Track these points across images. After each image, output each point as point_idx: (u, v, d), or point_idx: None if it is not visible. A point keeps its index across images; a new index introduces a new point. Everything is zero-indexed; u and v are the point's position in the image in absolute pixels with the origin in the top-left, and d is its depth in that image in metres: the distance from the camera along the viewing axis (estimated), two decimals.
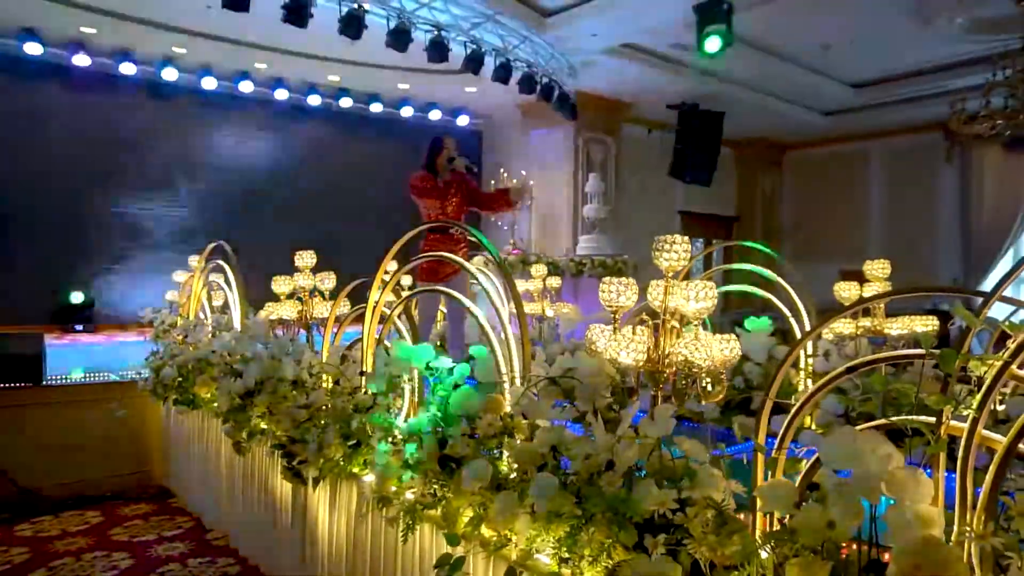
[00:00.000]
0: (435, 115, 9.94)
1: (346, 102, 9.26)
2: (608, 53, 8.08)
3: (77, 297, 7.68)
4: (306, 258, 3.85)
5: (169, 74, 7.83)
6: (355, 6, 6.00)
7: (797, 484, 1.58)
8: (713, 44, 6.49)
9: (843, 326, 3.10)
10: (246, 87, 8.48)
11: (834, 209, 11.55)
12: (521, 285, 5.03)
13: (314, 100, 9.12)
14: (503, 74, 7.17)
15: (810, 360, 3.13)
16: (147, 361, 4.73)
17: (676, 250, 1.99)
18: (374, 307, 2.86)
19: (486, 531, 2.11)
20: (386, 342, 2.87)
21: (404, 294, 2.97)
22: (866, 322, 3.15)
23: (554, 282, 5.06)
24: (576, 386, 1.95)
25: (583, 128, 9.66)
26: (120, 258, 7.75)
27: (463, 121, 10.18)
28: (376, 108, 9.51)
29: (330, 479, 2.92)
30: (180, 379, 4.28)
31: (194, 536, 4.17)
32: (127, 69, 7.49)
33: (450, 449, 2.24)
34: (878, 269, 3.10)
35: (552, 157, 9.80)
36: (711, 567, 1.57)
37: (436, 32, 6.48)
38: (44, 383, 4.77)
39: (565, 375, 1.99)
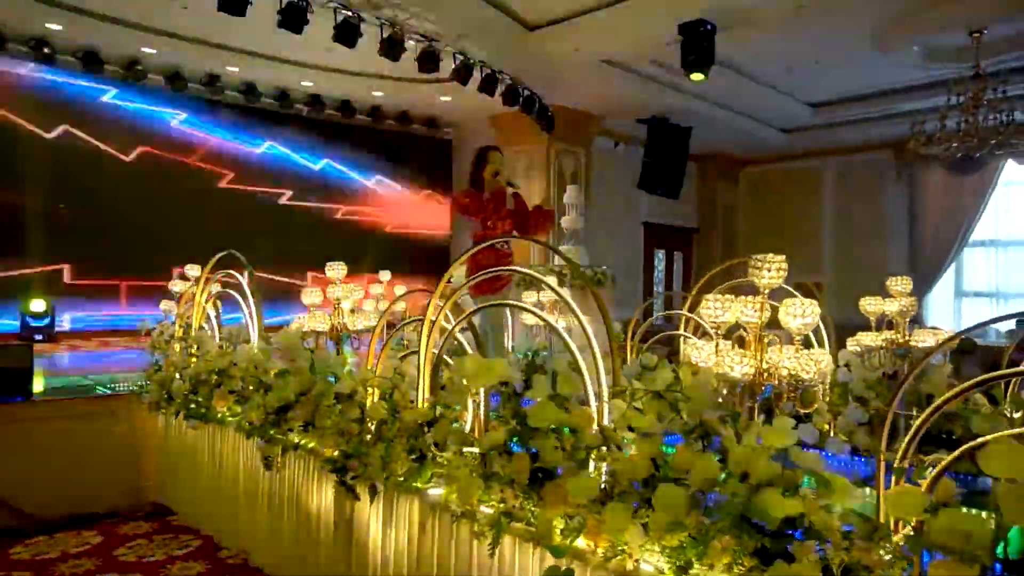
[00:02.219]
0: (407, 123, 9.91)
1: (318, 109, 9.15)
2: (587, 68, 8.24)
3: (38, 305, 7.34)
4: (337, 269, 3.81)
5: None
6: (350, 14, 5.97)
7: (923, 491, 1.69)
8: (697, 75, 6.76)
9: (869, 338, 3.28)
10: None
11: (789, 223, 12.05)
12: (529, 297, 5.07)
13: (285, 106, 8.97)
14: (489, 86, 7.23)
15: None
16: (149, 373, 4.56)
17: (773, 268, 2.09)
18: (432, 321, 2.87)
19: (584, 542, 2.16)
20: (445, 356, 2.89)
21: (468, 306, 3.00)
22: (888, 334, 3.35)
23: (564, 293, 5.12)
24: (680, 399, 2.03)
25: (555, 140, 9.81)
26: None
27: (434, 131, 10.18)
28: (349, 115, 9.42)
29: (386, 494, 2.91)
30: (189, 392, 4.15)
31: (206, 554, 4.04)
32: None
33: (542, 462, 2.28)
34: (901, 285, 3.29)
35: (524, 168, 9.90)
36: (845, 572, 1.67)
37: (427, 43, 6.49)
38: (34, 397, 4.55)
39: (670, 389, 2.06)
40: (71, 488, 4.53)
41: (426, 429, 2.77)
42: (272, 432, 3.46)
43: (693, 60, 6.62)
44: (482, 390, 2.70)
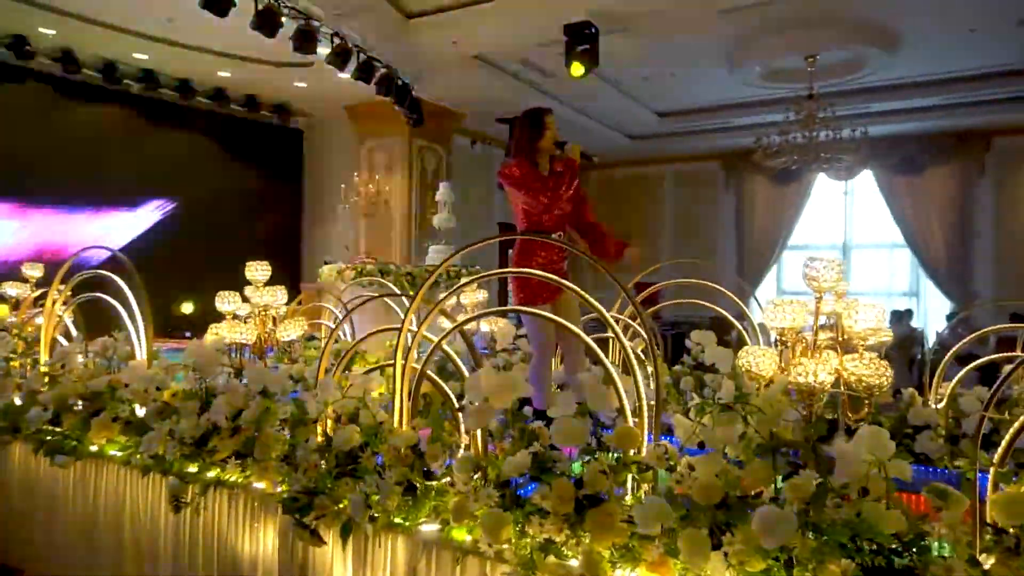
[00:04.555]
0: (254, 109, 9.03)
1: (151, 86, 8.02)
2: (460, 62, 8.01)
3: None
4: (259, 269, 3.23)
5: None
6: None
7: None
8: (581, 66, 6.77)
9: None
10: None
11: (634, 226, 12.64)
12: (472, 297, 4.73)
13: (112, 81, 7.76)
14: (366, 73, 6.75)
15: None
16: None
17: (832, 271, 2.03)
18: (413, 330, 2.51)
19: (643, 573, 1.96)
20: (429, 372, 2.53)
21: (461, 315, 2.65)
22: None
23: (481, 295, 4.85)
24: (752, 411, 1.89)
25: (417, 136, 9.46)
26: None
27: (284, 118, 9.39)
28: (187, 96, 8.38)
29: (356, 534, 2.49)
30: (47, 422, 3.35)
31: None
32: None
33: (590, 488, 2.04)
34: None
35: (384, 163, 9.45)
36: None
37: (305, 20, 5.90)
38: None
39: (739, 400, 1.92)
40: None
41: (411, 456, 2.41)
42: (188, 467, 2.86)
43: (577, 57, 6.63)
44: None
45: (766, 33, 7.52)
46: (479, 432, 2.39)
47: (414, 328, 2.61)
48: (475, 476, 2.27)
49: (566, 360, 3.81)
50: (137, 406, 3.26)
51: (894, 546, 1.67)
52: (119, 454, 3.17)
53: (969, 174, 10.39)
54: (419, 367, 2.51)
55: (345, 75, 7.47)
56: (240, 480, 2.80)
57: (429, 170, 9.72)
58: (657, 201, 12.53)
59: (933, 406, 3.23)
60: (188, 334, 8.45)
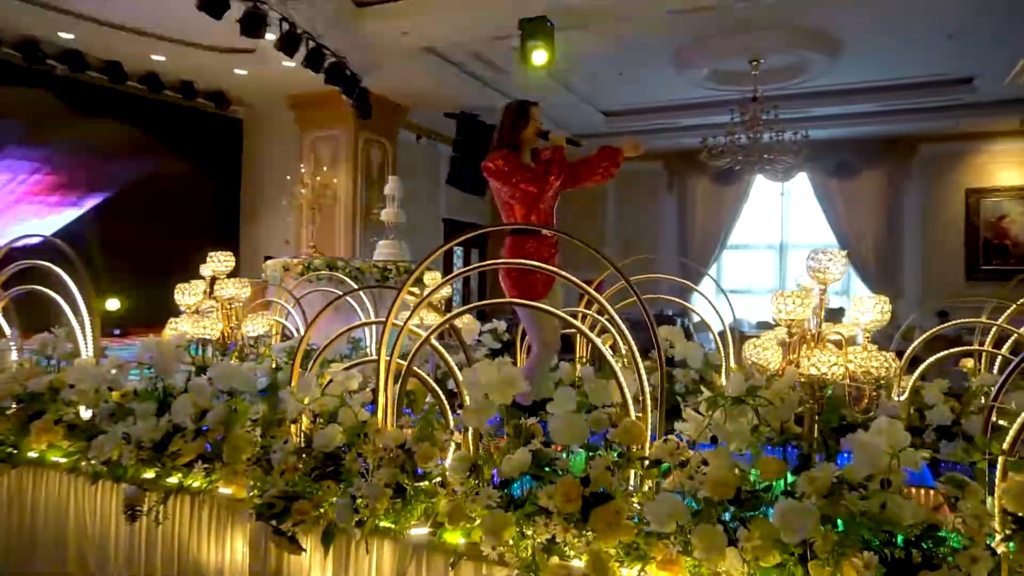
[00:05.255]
0: (190, 96, 8.59)
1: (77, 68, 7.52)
2: (409, 55, 7.84)
3: None
4: (219, 260, 3.00)
5: None
6: None
7: None
8: (539, 57, 6.70)
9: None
10: None
11: (578, 224, 12.68)
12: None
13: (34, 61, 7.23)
14: (316, 61, 6.51)
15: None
16: None
17: (838, 263, 2.01)
18: (400, 324, 2.38)
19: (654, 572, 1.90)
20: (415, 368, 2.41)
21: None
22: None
23: (446, 291, 4.71)
24: (763, 404, 1.86)
25: (362, 129, 9.22)
26: None
27: (223, 107, 8.98)
28: (117, 80, 7.90)
29: (337, 539, 2.34)
30: None
31: None
32: None
33: (596, 485, 1.97)
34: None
35: (329, 156, 9.16)
36: None
37: (254, 3, 5.63)
38: None
39: (750, 392, 1.88)
40: None
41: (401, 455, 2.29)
42: (145, 473, 2.65)
43: (535, 54, 6.56)
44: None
45: (714, 35, 7.65)
46: (470, 430, 2.30)
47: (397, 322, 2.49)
48: (470, 476, 2.17)
49: (532, 354, 3.77)
50: (82, 408, 3.01)
51: (913, 537, 1.66)
52: (63, 460, 2.92)
53: (897, 178, 10.88)
54: (405, 363, 2.38)
55: (290, 63, 7.19)
56: (205, 486, 2.61)
57: (375, 164, 9.49)
58: (600, 200, 12.62)
59: (896, 399, 3.32)
60: (116, 332, 7.97)
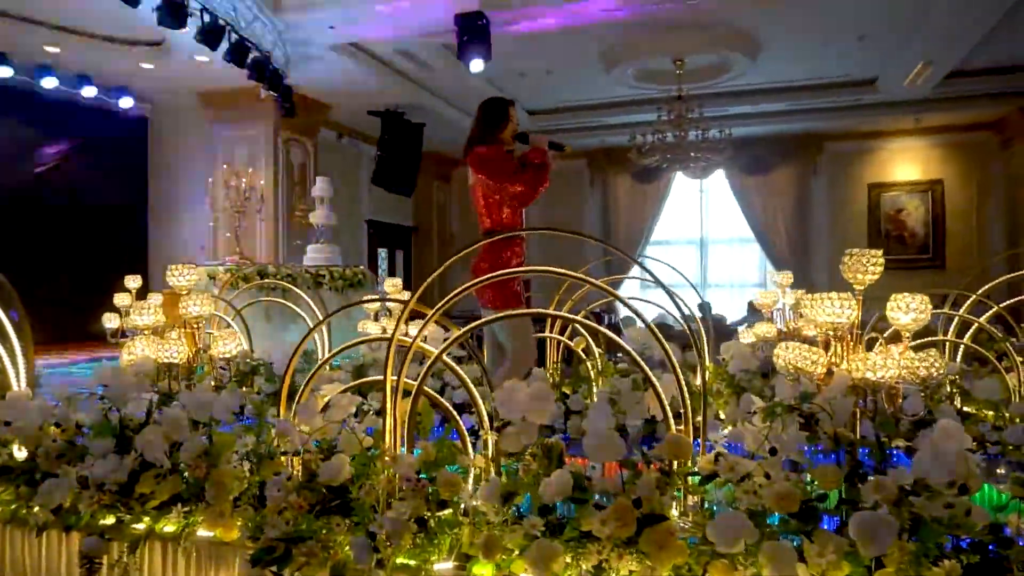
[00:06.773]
0: (89, 91, 7.88)
1: None
2: (334, 50, 7.49)
3: None
4: (182, 274, 2.65)
5: None
6: None
7: None
8: (477, 66, 6.59)
9: (766, 329, 3.45)
10: None
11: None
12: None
13: None
14: (237, 55, 6.09)
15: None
16: None
17: (874, 266, 1.98)
18: (408, 338, 2.17)
19: None
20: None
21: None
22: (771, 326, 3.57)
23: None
24: (819, 411, 1.79)
25: (282, 128, 8.75)
26: None
27: (126, 103, 8.29)
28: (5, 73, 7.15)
29: None
30: None
31: None
32: None
33: (647, 506, 1.85)
34: (783, 279, 3.54)
35: (246, 157, 8.63)
36: None
37: None
38: None
39: (805, 399, 1.81)
40: None
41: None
42: (105, 519, 2.32)
43: (472, 50, 6.42)
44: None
45: (639, 34, 7.71)
46: (490, 453, 2.13)
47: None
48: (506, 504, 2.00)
49: (505, 365, 3.62)
50: (15, 448, 2.62)
51: (985, 540, 1.64)
52: (2, 509, 2.52)
53: (806, 175, 11.41)
54: (416, 383, 2.18)
55: (204, 58, 6.73)
56: (179, 530, 2.31)
57: (296, 164, 9.04)
58: None
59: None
60: None
